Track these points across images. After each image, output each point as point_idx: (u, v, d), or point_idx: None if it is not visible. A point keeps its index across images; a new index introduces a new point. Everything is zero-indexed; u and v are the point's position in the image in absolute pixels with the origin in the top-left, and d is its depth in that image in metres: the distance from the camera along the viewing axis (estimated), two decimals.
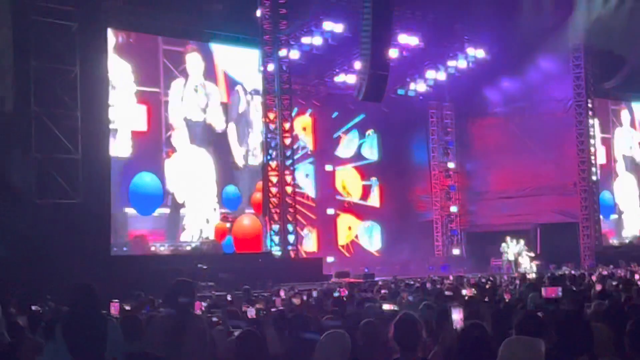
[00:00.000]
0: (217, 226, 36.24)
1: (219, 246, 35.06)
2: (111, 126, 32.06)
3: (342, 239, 45.10)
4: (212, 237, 35.78)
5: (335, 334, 7.37)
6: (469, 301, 12.91)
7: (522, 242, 42.14)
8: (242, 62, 37.58)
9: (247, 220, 37.55)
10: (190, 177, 35.80)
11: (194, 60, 36.08)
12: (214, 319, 12.41)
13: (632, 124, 52.37)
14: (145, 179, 34.64)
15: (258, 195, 36.70)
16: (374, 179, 46.95)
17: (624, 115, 52.08)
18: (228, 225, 35.92)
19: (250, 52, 37.02)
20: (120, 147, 33.60)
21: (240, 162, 37.60)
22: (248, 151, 37.84)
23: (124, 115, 33.96)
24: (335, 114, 45.13)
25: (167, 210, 35.35)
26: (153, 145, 35.18)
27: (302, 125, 43.02)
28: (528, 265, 41.08)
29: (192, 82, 36.00)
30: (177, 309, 8.92)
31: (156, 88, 35.17)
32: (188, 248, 34.88)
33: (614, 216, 49.68)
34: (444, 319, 9.05)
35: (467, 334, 7.30)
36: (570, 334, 7.05)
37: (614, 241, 48.72)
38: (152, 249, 33.85)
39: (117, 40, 34.16)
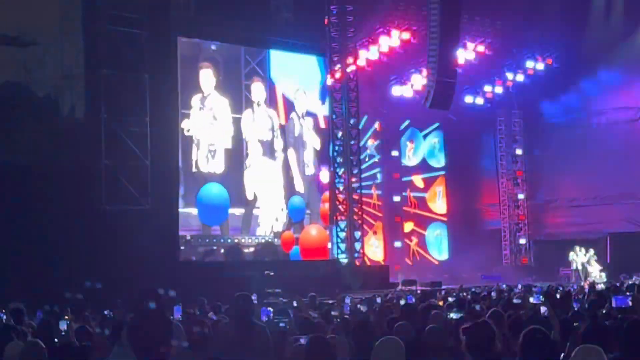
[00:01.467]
0: (284, 235, 36.43)
1: (275, 247, 35.53)
2: (210, 144, 33.42)
3: (411, 246, 44.98)
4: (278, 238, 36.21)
5: (390, 340, 7.34)
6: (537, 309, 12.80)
7: (591, 250, 41.65)
8: (302, 79, 37.99)
9: (314, 230, 37.65)
10: (263, 183, 36.26)
11: (257, 89, 36.43)
12: (281, 324, 12.42)
13: None
14: (212, 190, 34.84)
15: (326, 206, 36.78)
16: (440, 187, 46.76)
17: None
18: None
19: (310, 64, 37.38)
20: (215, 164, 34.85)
21: (297, 178, 37.81)
22: (305, 165, 37.98)
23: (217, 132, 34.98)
24: (403, 122, 45.07)
25: (242, 210, 35.91)
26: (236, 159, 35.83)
27: (370, 133, 42.99)
28: (597, 274, 40.60)
29: (258, 106, 36.26)
30: (239, 321, 9.00)
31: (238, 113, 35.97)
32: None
33: None
34: (517, 328, 8.98)
35: (529, 338, 7.24)
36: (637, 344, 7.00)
37: None
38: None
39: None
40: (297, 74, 37.98)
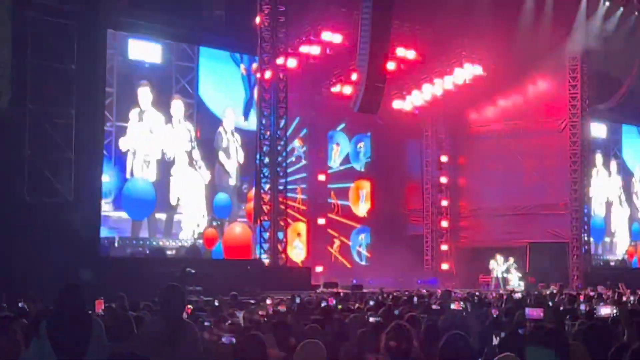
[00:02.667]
0: (207, 232, 36.43)
1: (199, 250, 35.92)
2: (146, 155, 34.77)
3: (332, 250, 45.11)
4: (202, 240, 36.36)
5: (311, 343, 7.35)
6: (456, 315, 12.96)
7: (511, 259, 42.24)
8: (229, 96, 38.07)
9: (238, 228, 37.64)
10: (187, 191, 36.54)
11: (176, 105, 36.69)
12: (206, 323, 12.40)
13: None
14: (138, 184, 34.99)
15: (251, 205, 36.79)
16: (364, 191, 46.97)
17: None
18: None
19: (237, 82, 38.17)
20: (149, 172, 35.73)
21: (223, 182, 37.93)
22: (229, 177, 38.08)
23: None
24: (330, 125, 45.20)
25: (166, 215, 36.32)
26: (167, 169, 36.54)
27: (297, 134, 43.03)
28: (516, 283, 41.18)
29: (179, 123, 36.63)
30: (169, 315, 8.86)
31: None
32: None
33: (604, 239, 49.64)
34: (434, 333, 9.08)
35: (450, 343, 7.32)
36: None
37: (601, 262, 48.74)
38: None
39: None
40: (224, 92, 38.11)
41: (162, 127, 35.96)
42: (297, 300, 20.95)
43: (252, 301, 22.59)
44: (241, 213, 38.82)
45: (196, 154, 37.11)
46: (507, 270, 42.08)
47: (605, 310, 13.41)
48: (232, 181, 38.24)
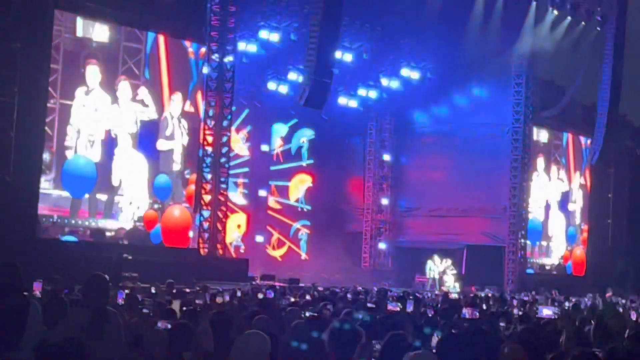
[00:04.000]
0: (147, 214, 36.22)
1: (141, 232, 35.78)
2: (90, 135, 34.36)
3: (271, 242, 45.15)
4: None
5: (255, 334, 7.32)
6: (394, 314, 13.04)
7: (449, 261, 42.58)
8: (176, 80, 37.85)
9: (177, 210, 37.44)
10: (129, 173, 36.15)
11: (123, 87, 36.22)
12: (145, 310, 12.36)
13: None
14: (80, 161, 34.71)
15: (192, 188, 36.62)
16: (306, 186, 46.99)
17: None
18: None
19: (185, 66, 37.65)
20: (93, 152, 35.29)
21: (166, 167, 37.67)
22: (172, 162, 37.76)
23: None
24: (275, 118, 45.17)
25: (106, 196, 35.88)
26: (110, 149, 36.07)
27: (241, 124, 42.96)
28: (452, 284, 41.52)
29: (124, 102, 36.16)
30: (91, 305, 8.81)
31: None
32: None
33: (540, 242, 50.17)
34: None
35: (390, 343, 7.39)
36: (482, 352, 7.36)
37: (536, 265, 49.31)
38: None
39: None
40: (173, 75, 37.73)
41: (108, 107, 35.56)
42: (238, 293, 20.96)
43: (187, 290, 22.54)
44: (182, 198, 38.54)
45: (141, 136, 36.76)
46: (444, 272, 42.39)
47: (547, 311, 13.61)
48: (176, 166, 37.91)
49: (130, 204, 36.13)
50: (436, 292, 35.77)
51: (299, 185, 46.89)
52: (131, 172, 36.24)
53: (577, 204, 52.75)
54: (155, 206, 36.92)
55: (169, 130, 37.55)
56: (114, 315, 8.94)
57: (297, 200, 46.72)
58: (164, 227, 36.58)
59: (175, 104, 37.78)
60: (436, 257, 42.48)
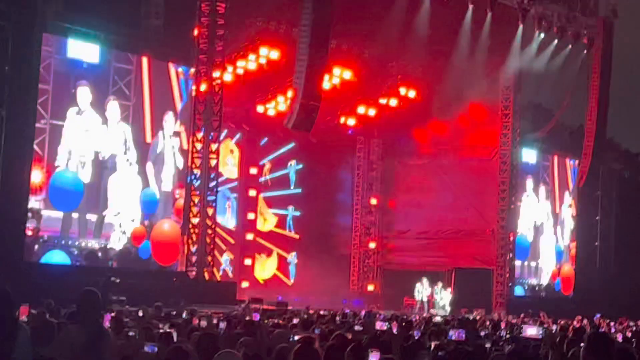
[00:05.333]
0: (136, 230, 36.11)
1: (131, 253, 35.69)
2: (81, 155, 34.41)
3: (259, 265, 45.09)
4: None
5: (228, 353, 7.34)
6: (381, 335, 13.04)
7: (439, 284, 42.59)
8: (167, 100, 37.85)
9: (167, 224, 37.34)
10: (120, 193, 36.11)
11: (112, 107, 36.16)
12: (131, 333, 12.32)
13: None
14: (67, 175, 34.62)
15: (181, 202, 36.58)
16: (291, 207, 46.92)
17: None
18: None
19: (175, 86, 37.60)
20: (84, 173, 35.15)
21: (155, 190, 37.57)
22: (161, 182, 37.66)
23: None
24: (263, 141, 45.19)
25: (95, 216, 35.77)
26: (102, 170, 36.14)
27: (230, 149, 42.96)
28: (440, 307, 41.46)
29: (113, 123, 36.14)
30: (86, 322, 8.78)
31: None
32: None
33: (529, 262, 50.17)
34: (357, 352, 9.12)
35: None
36: None
37: (528, 286, 49.43)
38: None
39: None
40: (163, 96, 37.68)
41: (98, 128, 35.52)
42: (226, 316, 20.87)
43: (175, 313, 22.47)
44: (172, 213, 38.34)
45: (132, 157, 36.70)
46: (432, 294, 42.35)
47: (531, 331, 13.64)
48: (166, 186, 37.76)
49: (120, 225, 36.04)
50: (424, 314, 35.75)
51: (288, 209, 46.78)
52: (121, 193, 36.13)
53: (565, 225, 52.85)
54: (146, 222, 36.80)
55: (160, 151, 37.49)
56: (108, 335, 8.93)
57: (285, 223, 46.59)
58: (153, 242, 36.46)
59: (167, 124, 37.75)
60: (425, 280, 42.44)
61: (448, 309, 41.27)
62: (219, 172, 37.28)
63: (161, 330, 13.32)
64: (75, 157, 34.72)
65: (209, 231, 35.58)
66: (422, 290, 42.40)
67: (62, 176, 34.52)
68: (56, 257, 33.96)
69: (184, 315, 20.55)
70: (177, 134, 37.74)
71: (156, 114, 37.32)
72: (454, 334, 11.91)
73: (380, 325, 14.58)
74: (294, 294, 42.15)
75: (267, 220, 45.91)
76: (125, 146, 36.37)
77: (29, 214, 32.25)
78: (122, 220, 36.10)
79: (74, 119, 34.69)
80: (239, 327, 15.21)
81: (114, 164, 35.95)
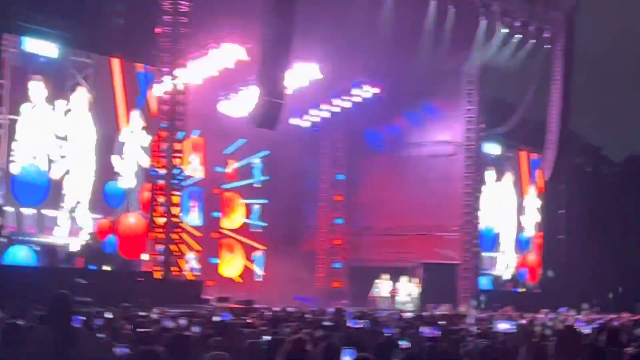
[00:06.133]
0: (100, 224, 35.87)
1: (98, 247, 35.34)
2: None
3: (224, 264, 44.96)
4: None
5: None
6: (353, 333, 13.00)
7: (403, 279, 42.62)
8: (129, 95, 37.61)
9: (133, 218, 37.13)
10: (80, 189, 35.87)
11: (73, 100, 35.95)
12: (100, 335, 12.19)
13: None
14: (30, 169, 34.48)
15: (146, 195, 36.38)
16: (259, 206, 46.82)
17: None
18: None
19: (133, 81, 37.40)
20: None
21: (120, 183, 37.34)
22: (125, 177, 37.43)
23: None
24: (226, 139, 44.97)
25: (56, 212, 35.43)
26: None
27: (193, 147, 42.76)
28: (407, 303, 41.45)
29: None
30: (58, 324, 8.65)
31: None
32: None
33: (495, 254, 50.38)
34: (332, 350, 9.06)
35: None
36: None
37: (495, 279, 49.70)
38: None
39: None
40: (126, 94, 37.41)
41: (55, 122, 35.09)
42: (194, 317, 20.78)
43: (142, 314, 22.31)
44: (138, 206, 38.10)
45: (94, 150, 36.34)
46: (398, 290, 42.37)
47: (503, 325, 13.69)
48: (130, 182, 37.47)
49: (82, 219, 35.69)
50: (391, 310, 35.73)
51: (253, 207, 46.67)
52: (82, 187, 35.83)
53: (529, 217, 53.16)
54: (110, 217, 36.55)
55: (124, 146, 37.22)
56: (83, 333, 8.82)
57: (249, 221, 46.49)
58: (120, 236, 36.26)
59: (132, 120, 37.48)
60: (384, 276, 42.46)
61: (411, 305, 41.28)
62: (184, 171, 37.09)
63: (131, 332, 13.19)
64: (29, 152, 34.34)
65: (175, 231, 35.43)
66: (384, 286, 42.40)
67: (25, 170, 34.21)
68: (20, 253, 33.73)
69: (153, 316, 20.43)
70: (142, 129, 37.50)
71: (119, 111, 37.09)
72: (426, 330, 11.88)
73: (353, 323, 14.50)
74: (260, 291, 42.01)
75: (235, 211, 45.75)
76: (89, 138, 36.05)
77: None
78: (84, 214, 35.81)
79: (28, 114, 34.32)
80: (208, 327, 15.12)
81: (74, 157, 35.60)
